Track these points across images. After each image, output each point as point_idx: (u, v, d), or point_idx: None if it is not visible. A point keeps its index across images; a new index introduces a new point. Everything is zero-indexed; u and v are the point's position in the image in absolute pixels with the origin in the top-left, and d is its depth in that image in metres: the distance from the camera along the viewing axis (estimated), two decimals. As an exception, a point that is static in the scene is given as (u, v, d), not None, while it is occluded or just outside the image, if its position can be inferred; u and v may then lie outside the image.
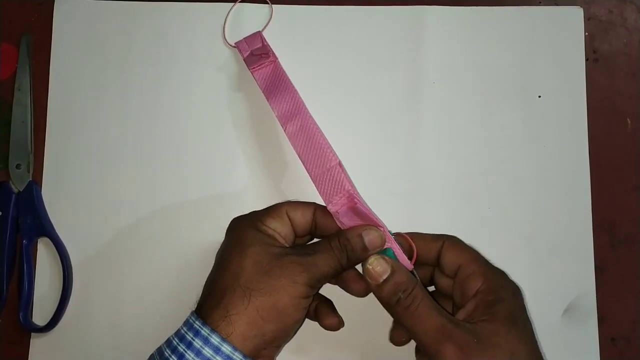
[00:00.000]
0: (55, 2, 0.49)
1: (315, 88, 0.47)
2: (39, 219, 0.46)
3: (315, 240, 0.41)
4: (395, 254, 0.38)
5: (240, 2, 0.49)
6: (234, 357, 0.34)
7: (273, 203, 0.40)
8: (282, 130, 0.42)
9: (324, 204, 0.40)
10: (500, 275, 0.38)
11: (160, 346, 0.36)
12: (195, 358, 0.34)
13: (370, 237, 0.38)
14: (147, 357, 0.36)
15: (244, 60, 0.47)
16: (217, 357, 0.34)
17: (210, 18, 0.49)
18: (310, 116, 0.42)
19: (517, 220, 0.46)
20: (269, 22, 0.48)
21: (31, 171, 0.47)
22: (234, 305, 0.35)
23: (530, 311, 0.44)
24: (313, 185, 0.40)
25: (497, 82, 0.48)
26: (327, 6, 0.49)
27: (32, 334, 0.45)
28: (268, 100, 0.43)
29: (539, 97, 0.48)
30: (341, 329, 0.40)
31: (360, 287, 0.40)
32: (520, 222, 0.46)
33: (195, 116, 0.48)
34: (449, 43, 0.48)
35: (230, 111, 0.48)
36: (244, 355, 0.34)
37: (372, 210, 0.40)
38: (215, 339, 0.34)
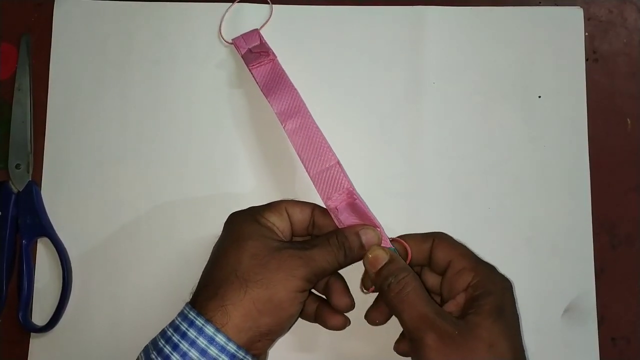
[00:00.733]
0: (55, 2, 0.49)
1: (315, 88, 0.47)
2: (39, 218, 0.46)
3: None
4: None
5: (239, 1, 0.49)
6: (228, 347, 0.34)
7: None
8: (282, 129, 0.42)
9: (322, 203, 0.40)
10: (490, 269, 0.38)
11: (154, 337, 0.36)
12: (189, 348, 0.34)
13: (367, 236, 0.38)
14: (141, 350, 0.36)
15: (242, 57, 0.47)
16: (211, 348, 0.34)
17: (210, 18, 0.49)
18: (310, 115, 0.42)
19: (517, 220, 0.46)
20: (267, 20, 0.48)
21: (31, 171, 0.47)
22: (229, 296, 0.35)
23: (530, 311, 0.44)
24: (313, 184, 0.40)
25: (497, 82, 0.48)
26: (327, 6, 0.49)
27: (32, 333, 0.45)
28: (267, 98, 0.44)
29: (539, 97, 0.48)
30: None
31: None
32: (520, 222, 0.46)
33: (196, 116, 0.48)
34: (449, 43, 0.48)
35: (231, 111, 0.48)
36: (238, 347, 0.34)
37: (371, 210, 0.40)
38: (209, 330, 0.34)
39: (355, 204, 0.40)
